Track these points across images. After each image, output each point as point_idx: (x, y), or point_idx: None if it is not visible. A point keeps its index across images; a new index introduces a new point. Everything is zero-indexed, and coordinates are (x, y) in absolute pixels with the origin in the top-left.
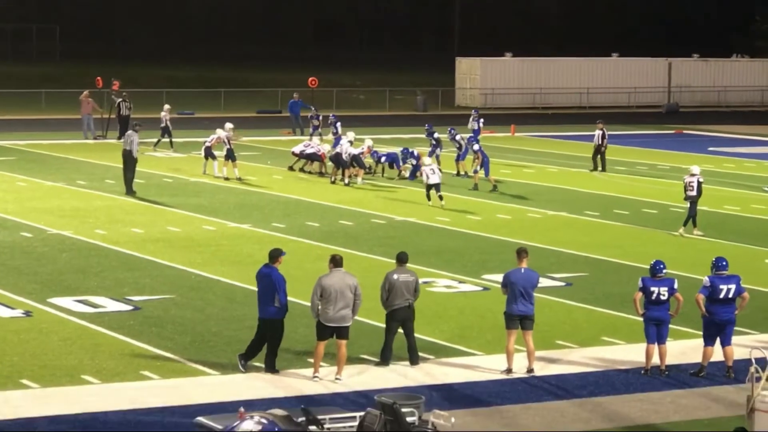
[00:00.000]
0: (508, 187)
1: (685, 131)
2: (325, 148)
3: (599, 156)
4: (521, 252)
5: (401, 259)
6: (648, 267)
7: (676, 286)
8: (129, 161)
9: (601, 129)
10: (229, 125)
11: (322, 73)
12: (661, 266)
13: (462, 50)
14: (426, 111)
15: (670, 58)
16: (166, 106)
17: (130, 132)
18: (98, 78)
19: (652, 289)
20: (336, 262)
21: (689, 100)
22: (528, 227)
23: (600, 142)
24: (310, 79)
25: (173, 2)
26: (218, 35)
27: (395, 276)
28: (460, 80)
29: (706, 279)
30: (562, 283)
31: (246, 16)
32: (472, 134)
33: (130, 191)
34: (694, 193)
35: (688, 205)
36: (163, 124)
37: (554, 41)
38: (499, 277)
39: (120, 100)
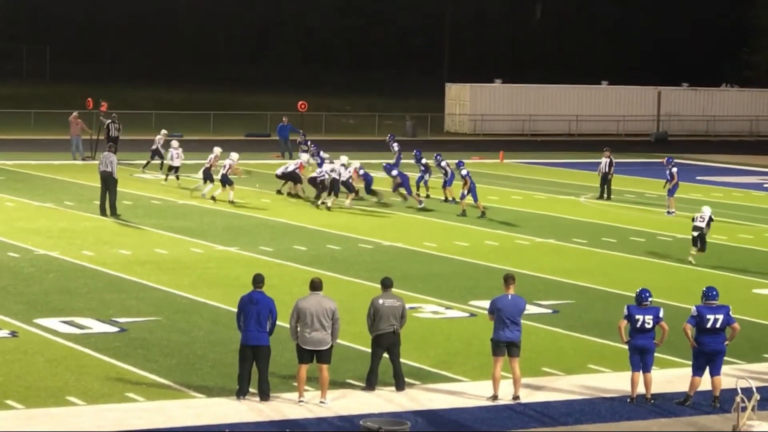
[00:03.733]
0: (496, 213)
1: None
2: (304, 158)
3: (606, 184)
4: (508, 278)
5: (386, 284)
6: (634, 295)
7: (661, 314)
8: (110, 183)
9: (608, 157)
10: (235, 155)
11: (311, 97)
12: (647, 294)
13: (452, 76)
14: (415, 136)
15: (660, 86)
16: (163, 131)
17: (106, 153)
18: (89, 99)
19: (638, 317)
20: (314, 285)
21: (678, 129)
22: (515, 254)
23: (607, 170)
24: (300, 102)
25: (163, 24)
26: (207, 57)
27: (381, 301)
28: (449, 106)
29: (693, 308)
30: (549, 310)
31: (235, 39)
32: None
33: (114, 213)
34: (703, 224)
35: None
36: (154, 147)
37: (544, 68)
38: (486, 304)
39: (109, 121)
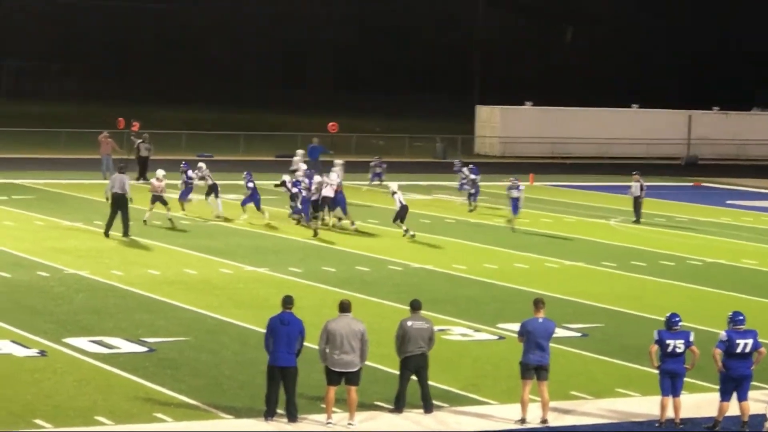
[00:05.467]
0: (526, 236)
1: (703, 184)
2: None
3: (637, 207)
4: (538, 302)
5: (415, 306)
6: (664, 319)
7: (692, 338)
8: (123, 204)
9: (638, 180)
10: (202, 164)
11: (341, 119)
12: (677, 319)
13: (482, 98)
14: (445, 158)
15: (690, 110)
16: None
17: (118, 175)
18: (120, 119)
19: (668, 341)
20: (343, 307)
21: (709, 153)
22: (545, 277)
23: (639, 194)
24: (330, 124)
25: (193, 44)
26: (238, 78)
27: (409, 323)
28: (479, 128)
29: (723, 333)
30: (578, 334)
31: (266, 60)
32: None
33: (126, 234)
34: None
35: None
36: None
37: (575, 91)
38: (515, 326)
39: (140, 141)
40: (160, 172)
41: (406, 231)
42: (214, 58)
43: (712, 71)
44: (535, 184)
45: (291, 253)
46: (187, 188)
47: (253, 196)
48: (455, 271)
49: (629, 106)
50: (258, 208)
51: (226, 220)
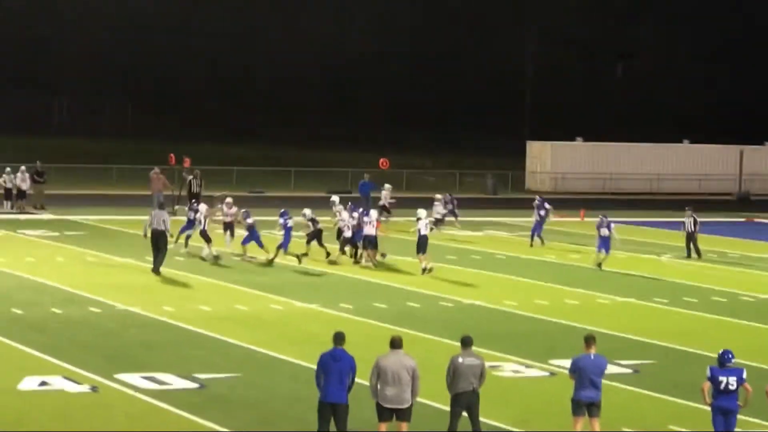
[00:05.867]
0: (577, 272)
1: (756, 220)
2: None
3: (692, 243)
4: (589, 338)
5: (466, 342)
6: (716, 356)
7: (744, 376)
8: (162, 241)
9: (691, 216)
10: (229, 199)
11: (392, 154)
12: (730, 356)
13: (532, 134)
14: (496, 194)
15: (742, 145)
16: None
17: (159, 212)
18: (171, 155)
19: (721, 378)
20: (394, 343)
21: (761, 189)
22: (596, 313)
23: (693, 229)
24: (381, 160)
25: (242, 79)
26: (289, 113)
27: (460, 359)
28: (530, 164)
29: None
30: (630, 370)
31: (317, 95)
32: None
33: (157, 271)
34: None
35: None
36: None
37: (625, 126)
38: (567, 363)
39: (191, 177)
40: (229, 200)
41: (424, 269)
42: (263, 92)
43: (764, 106)
44: (586, 219)
45: (342, 289)
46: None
47: (253, 234)
48: (506, 307)
49: (680, 141)
50: (260, 245)
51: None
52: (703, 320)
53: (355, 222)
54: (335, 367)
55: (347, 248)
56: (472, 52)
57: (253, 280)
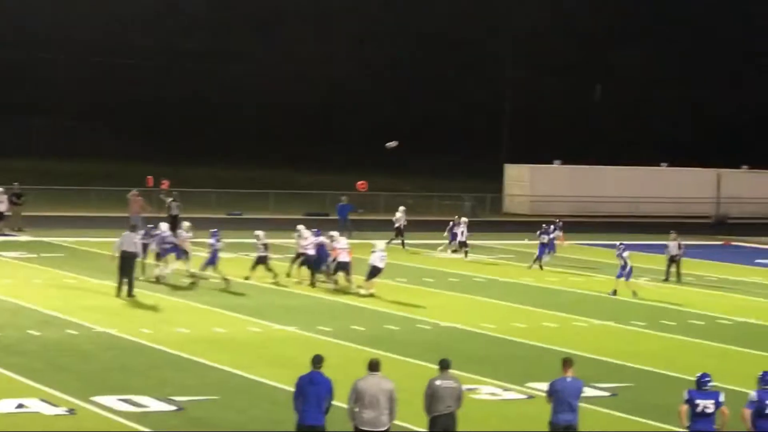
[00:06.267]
0: (555, 294)
1: (733, 243)
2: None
3: (675, 266)
4: (567, 361)
5: (444, 365)
6: (694, 379)
7: (722, 399)
8: (131, 263)
9: (675, 239)
10: (187, 224)
11: (370, 177)
12: (707, 379)
13: (510, 156)
14: (474, 216)
15: (719, 168)
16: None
17: (129, 233)
18: (149, 177)
19: (698, 401)
20: (372, 366)
21: (738, 212)
22: (574, 336)
23: (677, 253)
24: (359, 183)
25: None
26: (267, 136)
27: (438, 382)
28: (508, 187)
29: (752, 393)
30: (608, 393)
31: (296, 118)
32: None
33: (130, 294)
34: None
35: None
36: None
37: (604, 149)
38: (544, 386)
39: (170, 199)
40: (187, 224)
41: (362, 293)
42: (243, 115)
43: (741, 129)
44: (565, 242)
45: (320, 312)
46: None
47: (213, 257)
48: (484, 329)
49: (658, 165)
50: (214, 266)
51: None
52: (680, 343)
53: (316, 241)
54: (313, 390)
55: (302, 269)
56: (451, 74)
57: (231, 303)
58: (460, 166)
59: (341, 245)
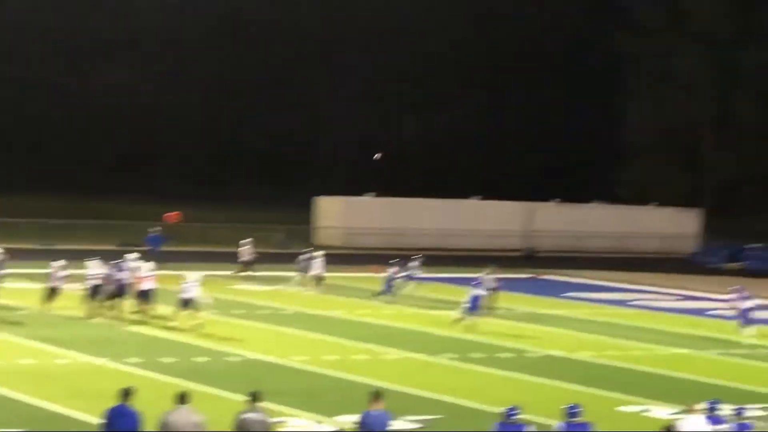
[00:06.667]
0: (365, 327)
1: (542, 276)
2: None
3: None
4: (376, 395)
5: (253, 397)
6: (502, 412)
7: (526, 430)
8: None
9: (492, 274)
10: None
11: (185, 208)
12: (515, 411)
13: (324, 188)
14: (285, 248)
15: (530, 202)
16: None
17: None
18: None
19: None
20: (181, 398)
21: (549, 245)
22: (384, 368)
23: (494, 286)
24: (172, 214)
25: (31, 129)
26: (80, 165)
27: (246, 415)
28: (321, 218)
29: (557, 425)
30: (417, 426)
31: (110, 148)
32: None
33: None
34: None
35: None
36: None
37: (417, 182)
38: (354, 418)
39: None
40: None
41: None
42: (58, 145)
43: (554, 163)
44: (377, 275)
45: (130, 344)
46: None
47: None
48: (294, 362)
49: (470, 197)
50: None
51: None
52: (489, 376)
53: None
54: (121, 422)
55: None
56: (263, 103)
57: (39, 334)
58: (274, 198)
59: (144, 273)
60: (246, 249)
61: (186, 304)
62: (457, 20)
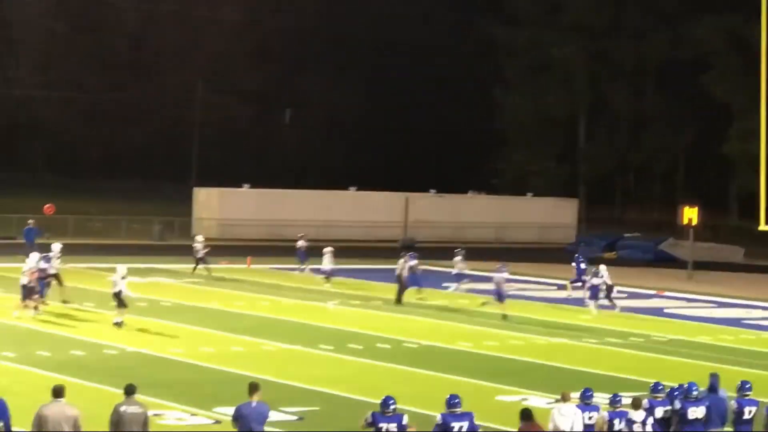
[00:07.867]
0: (242, 319)
1: (420, 266)
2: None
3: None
4: (253, 386)
5: (129, 390)
6: (379, 402)
7: (405, 421)
8: None
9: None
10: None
11: (59, 201)
12: (391, 401)
13: (201, 181)
14: (163, 240)
15: (408, 192)
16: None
17: None
18: None
19: (381, 425)
20: (56, 392)
21: (427, 236)
22: (261, 360)
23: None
24: (46, 206)
25: None
26: None
27: (123, 408)
28: (198, 210)
29: (439, 417)
30: (294, 417)
31: None
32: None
33: None
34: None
35: None
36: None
37: (294, 173)
38: (231, 410)
39: None
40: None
41: (117, 323)
42: None
43: (430, 153)
44: (253, 266)
45: (4, 337)
46: None
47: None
48: (171, 354)
49: (347, 188)
50: None
51: None
52: (367, 367)
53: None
54: None
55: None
56: (143, 97)
57: None
58: (150, 191)
59: (26, 267)
60: (200, 244)
61: (117, 298)
62: (334, 9)
